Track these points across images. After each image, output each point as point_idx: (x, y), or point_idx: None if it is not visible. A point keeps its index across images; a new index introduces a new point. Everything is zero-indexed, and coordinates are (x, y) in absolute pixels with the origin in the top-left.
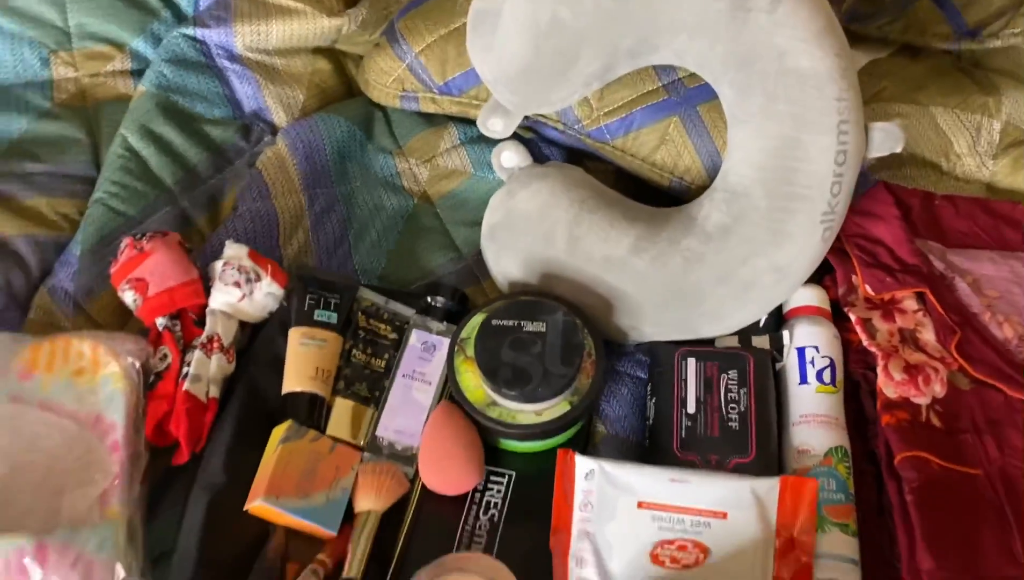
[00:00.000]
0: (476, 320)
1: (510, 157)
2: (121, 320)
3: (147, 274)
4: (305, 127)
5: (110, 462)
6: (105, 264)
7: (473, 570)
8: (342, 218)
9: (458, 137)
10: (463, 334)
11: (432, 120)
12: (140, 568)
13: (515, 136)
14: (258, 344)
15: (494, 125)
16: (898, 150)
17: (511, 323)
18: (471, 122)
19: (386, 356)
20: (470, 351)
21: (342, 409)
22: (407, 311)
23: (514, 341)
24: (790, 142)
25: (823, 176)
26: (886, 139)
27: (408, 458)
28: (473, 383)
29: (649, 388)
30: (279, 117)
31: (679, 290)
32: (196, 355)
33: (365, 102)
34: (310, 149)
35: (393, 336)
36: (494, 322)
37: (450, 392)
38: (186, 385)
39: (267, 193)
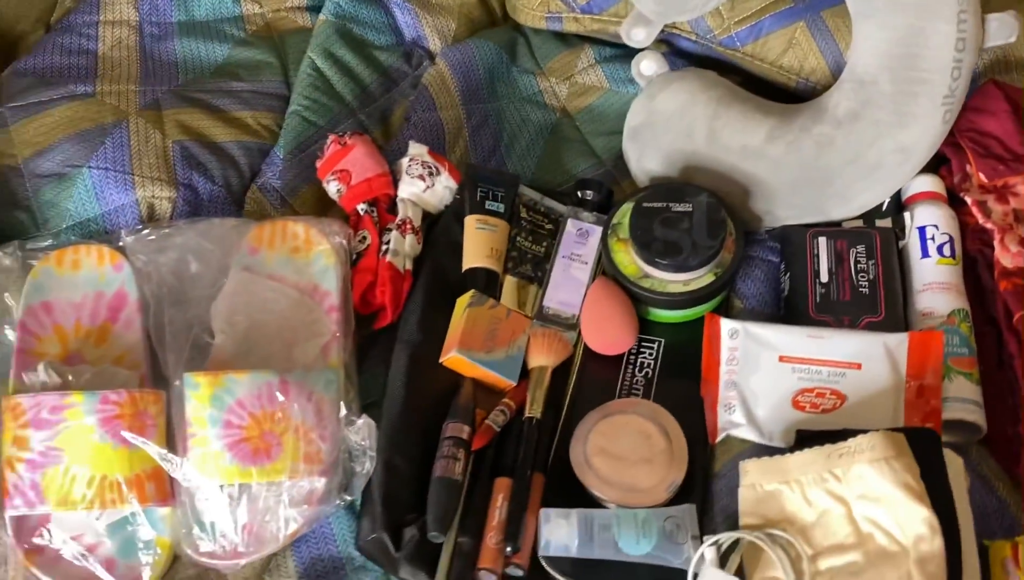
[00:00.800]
0: (626, 207)
1: (649, 65)
2: (319, 212)
3: (349, 165)
4: (460, 50)
5: (329, 321)
6: (304, 165)
7: (636, 411)
8: (494, 131)
9: (594, 57)
10: (615, 220)
11: (569, 43)
12: (357, 408)
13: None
14: (438, 231)
15: (637, 35)
16: (1013, 40)
17: (660, 205)
18: (605, 43)
19: (545, 243)
20: (623, 233)
21: (511, 285)
22: (560, 207)
23: (664, 219)
24: (914, 30)
25: (944, 61)
26: (1001, 28)
27: (571, 325)
28: (626, 260)
29: (782, 266)
30: (434, 44)
31: (811, 173)
32: (393, 234)
33: (509, 29)
34: (466, 69)
35: (550, 226)
36: (645, 205)
37: (604, 269)
38: (388, 257)
39: (433, 106)
